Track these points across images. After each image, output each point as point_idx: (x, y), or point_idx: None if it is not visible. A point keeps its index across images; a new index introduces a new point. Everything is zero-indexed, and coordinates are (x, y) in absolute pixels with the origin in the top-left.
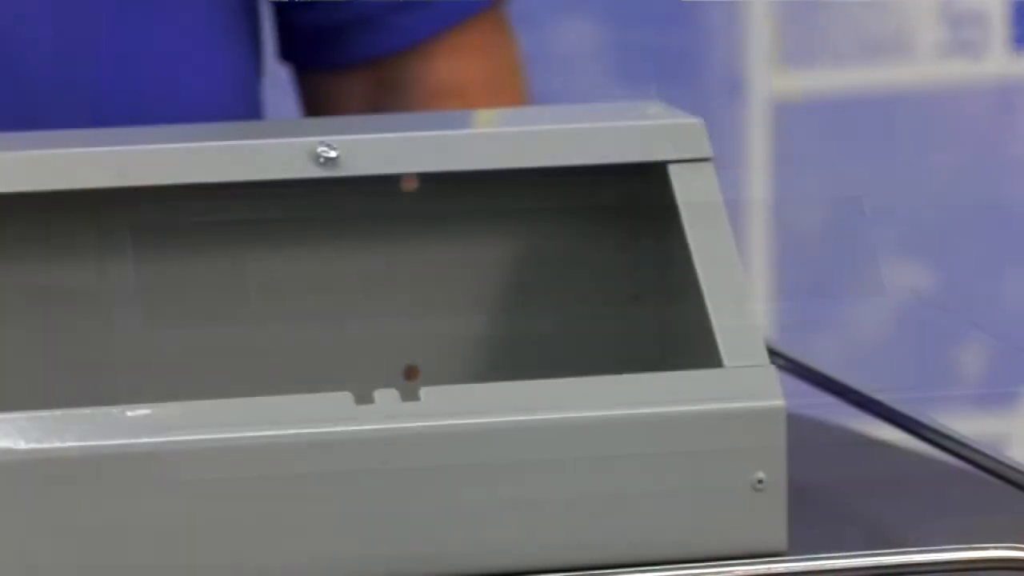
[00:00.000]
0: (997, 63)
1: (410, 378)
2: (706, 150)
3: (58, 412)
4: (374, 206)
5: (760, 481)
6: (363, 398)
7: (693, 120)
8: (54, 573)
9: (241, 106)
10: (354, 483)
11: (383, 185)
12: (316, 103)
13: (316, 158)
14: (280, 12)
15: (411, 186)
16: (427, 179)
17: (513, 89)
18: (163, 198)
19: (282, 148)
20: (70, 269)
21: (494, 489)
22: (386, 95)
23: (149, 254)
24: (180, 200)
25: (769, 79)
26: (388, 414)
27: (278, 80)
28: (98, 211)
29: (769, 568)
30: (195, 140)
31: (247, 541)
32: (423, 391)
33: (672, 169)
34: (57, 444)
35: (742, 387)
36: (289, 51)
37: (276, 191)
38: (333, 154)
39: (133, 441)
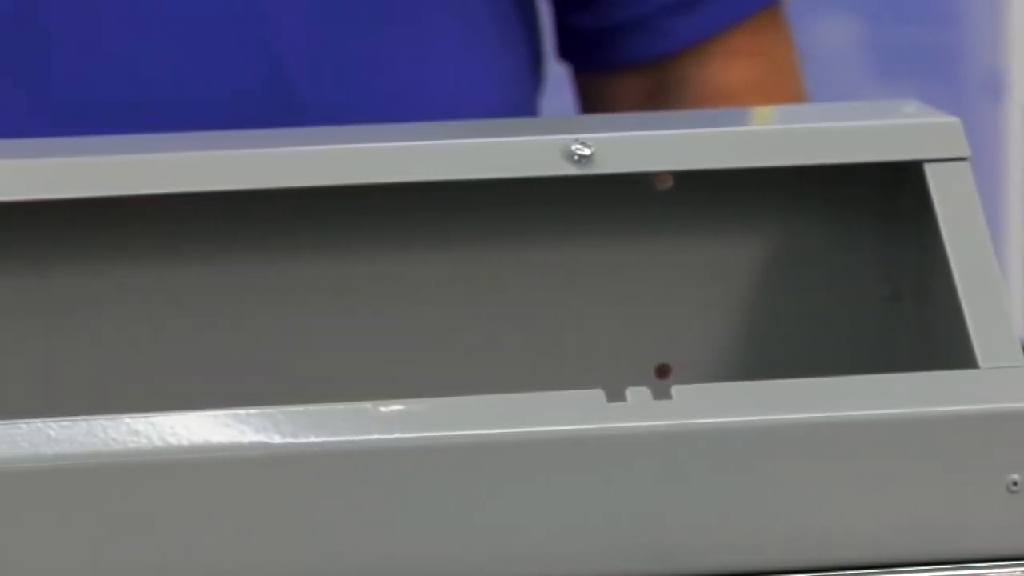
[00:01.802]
0: None
1: (662, 376)
2: (963, 149)
3: (312, 407)
4: (628, 203)
5: (1015, 483)
6: (615, 396)
7: (950, 119)
8: (307, 567)
9: (513, 114)
10: (605, 481)
11: (637, 182)
12: (591, 103)
13: (570, 156)
14: (558, 12)
15: (665, 184)
16: (681, 177)
17: (788, 92)
18: (418, 196)
19: (536, 145)
20: (312, 264)
21: (745, 488)
22: (660, 97)
23: (392, 249)
24: (430, 197)
25: None
26: (640, 412)
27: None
28: (339, 208)
29: None
30: (450, 138)
31: (501, 538)
32: (675, 389)
33: (928, 168)
34: (312, 439)
35: (997, 388)
36: (566, 51)
37: (530, 188)
38: (587, 152)
39: (386, 437)
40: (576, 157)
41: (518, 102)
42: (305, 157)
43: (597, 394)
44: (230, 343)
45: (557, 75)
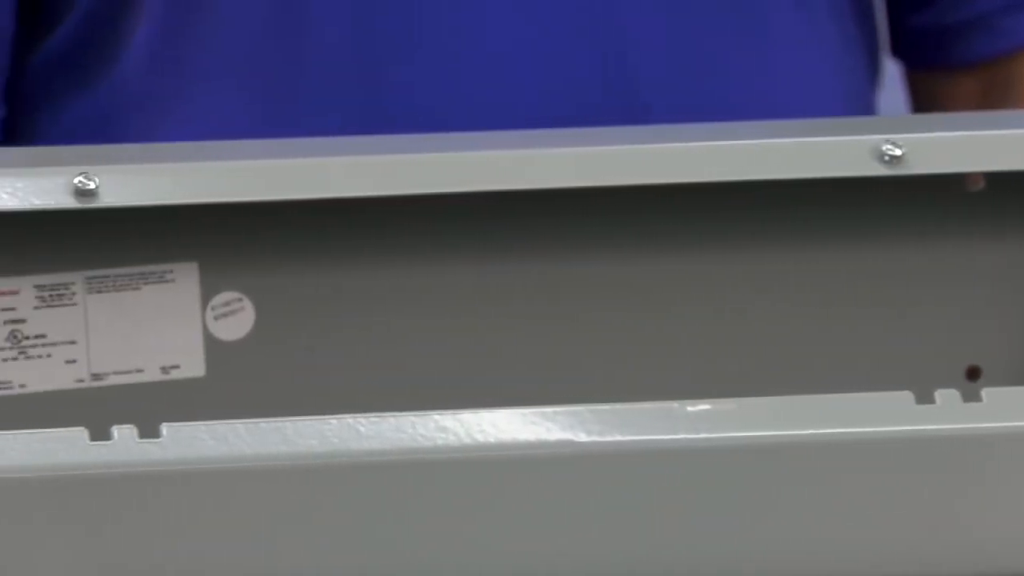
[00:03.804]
0: None
1: (973, 378)
2: None
3: (619, 406)
4: (939, 204)
5: None
6: (924, 397)
7: None
8: (613, 562)
9: (854, 112)
10: (912, 483)
11: (948, 183)
12: (925, 102)
13: (881, 156)
14: (894, 10)
15: (977, 185)
16: (993, 178)
17: None
18: (727, 195)
19: (846, 146)
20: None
21: None
22: (994, 97)
23: (693, 250)
24: (739, 197)
25: None
26: (949, 414)
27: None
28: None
29: None
30: (761, 138)
31: (806, 537)
32: (985, 392)
33: None
34: (617, 437)
35: None
36: (901, 49)
37: (840, 188)
38: (898, 152)
39: (692, 436)
40: (887, 158)
41: (859, 100)
42: (602, 157)
43: (906, 396)
44: (499, 340)
45: (892, 73)
